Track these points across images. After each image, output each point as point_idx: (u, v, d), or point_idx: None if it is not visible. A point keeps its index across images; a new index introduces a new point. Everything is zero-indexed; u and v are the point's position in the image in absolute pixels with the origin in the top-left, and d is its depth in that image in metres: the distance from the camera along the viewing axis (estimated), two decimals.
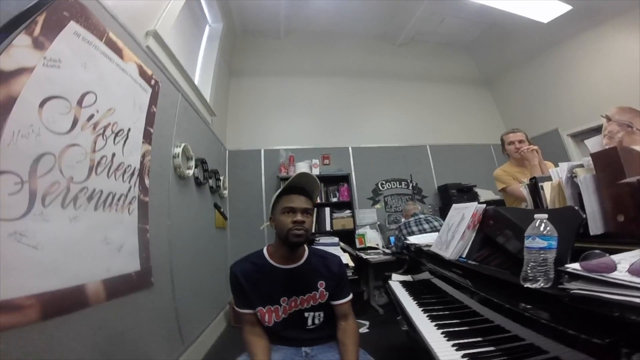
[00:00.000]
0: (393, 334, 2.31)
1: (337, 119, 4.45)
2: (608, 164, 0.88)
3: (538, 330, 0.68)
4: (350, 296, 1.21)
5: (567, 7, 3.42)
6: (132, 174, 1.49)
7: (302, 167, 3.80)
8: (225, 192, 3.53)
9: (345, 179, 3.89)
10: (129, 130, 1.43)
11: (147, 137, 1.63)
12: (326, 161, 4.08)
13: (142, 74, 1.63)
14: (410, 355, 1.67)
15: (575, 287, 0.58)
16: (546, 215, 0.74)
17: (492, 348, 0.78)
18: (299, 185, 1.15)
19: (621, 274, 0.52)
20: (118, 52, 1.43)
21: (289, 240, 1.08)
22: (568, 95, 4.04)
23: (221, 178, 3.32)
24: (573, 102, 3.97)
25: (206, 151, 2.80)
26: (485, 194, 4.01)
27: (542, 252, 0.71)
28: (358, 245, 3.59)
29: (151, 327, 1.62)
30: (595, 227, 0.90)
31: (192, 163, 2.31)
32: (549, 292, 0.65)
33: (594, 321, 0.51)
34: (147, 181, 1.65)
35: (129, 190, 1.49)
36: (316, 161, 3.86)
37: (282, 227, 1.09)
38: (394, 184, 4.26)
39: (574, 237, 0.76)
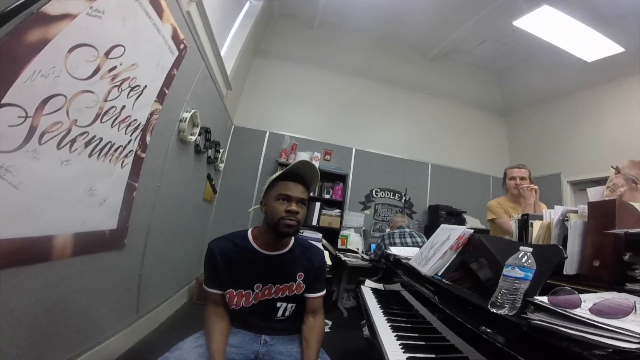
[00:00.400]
0: (352, 339, 2.34)
1: (347, 117, 4.46)
2: (602, 214, 0.90)
3: (491, 355, 0.71)
4: (324, 291, 1.19)
5: (618, 49, 3.29)
6: (136, 128, 1.49)
7: (303, 156, 3.81)
8: (222, 165, 3.52)
9: (342, 178, 3.91)
10: (145, 87, 1.43)
11: (161, 96, 1.63)
12: (327, 157, 4.10)
13: (175, 36, 1.64)
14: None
15: (537, 317, 0.61)
16: (531, 249, 0.76)
17: None
18: (298, 173, 1.10)
19: (582, 312, 0.54)
20: (159, 12, 1.45)
21: (279, 229, 1.03)
22: (580, 141, 4.04)
23: (221, 150, 3.32)
24: (583, 149, 3.97)
25: (213, 121, 2.80)
26: (473, 222, 4.07)
27: (517, 281, 0.73)
28: (340, 246, 3.62)
29: (109, 292, 1.57)
30: (570, 267, 0.94)
31: (197, 130, 2.31)
32: (511, 319, 0.67)
33: (546, 352, 0.53)
34: (148, 138, 1.66)
35: (129, 143, 1.49)
36: (318, 154, 3.87)
37: (274, 214, 1.04)
38: (387, 194, 4.29)
39: (549, 273, 0.79)
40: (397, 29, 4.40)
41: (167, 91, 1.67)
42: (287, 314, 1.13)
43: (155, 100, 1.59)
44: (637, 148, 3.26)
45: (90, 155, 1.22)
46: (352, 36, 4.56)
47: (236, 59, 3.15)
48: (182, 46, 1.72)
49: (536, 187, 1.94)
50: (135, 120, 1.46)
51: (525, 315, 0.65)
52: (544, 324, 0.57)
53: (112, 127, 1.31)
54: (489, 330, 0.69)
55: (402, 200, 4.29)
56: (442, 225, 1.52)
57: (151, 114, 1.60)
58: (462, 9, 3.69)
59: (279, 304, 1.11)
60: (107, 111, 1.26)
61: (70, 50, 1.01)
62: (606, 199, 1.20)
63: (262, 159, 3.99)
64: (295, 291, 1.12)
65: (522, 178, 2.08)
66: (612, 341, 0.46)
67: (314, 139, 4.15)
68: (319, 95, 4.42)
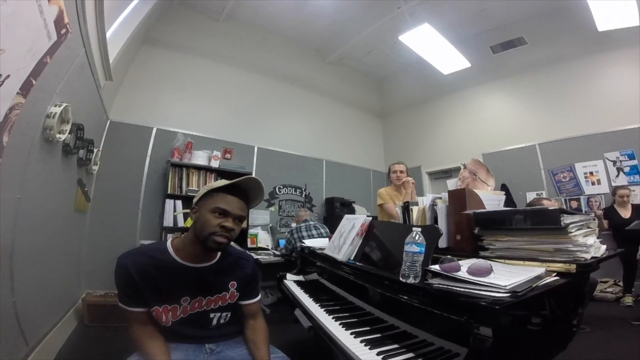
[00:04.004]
0: (285, 332, 2.32)
1: (249, 115, 4.40)
2: (457, 199, 1.26)
3: (406, 317, 0.93)
4: (260, 296, 1.19)
5: (467, 64, 4.31)
6: None
7: (200, 155, 3.56)
8: (96, 167, 2.94)
9: None
10: (8, 77, 1.09)
11: (26, 88, 1.26)
12: (228, 155, 3.95)
13: (58, 21, 1.31)
14: (306, 349, 1.80)
15: (436, 282, 0.85)
16: (420, 229, 0.99)
17: (378, 335, 0.99)
18: (242, 187, 1.05)
19: (463, 273, 0.80)
20: None
21: (207, 244, 0.98)
22: (435, 140, 5.23)
23: (94, 150, 2.77)
24: (436, 146, 5.18)
25: (86, 117, 2.31)
26: (360, 210, 4.71)
27: (415, 255, 0.95)
28: (250, 245, 3.61)
29: None
30: (442, 242, 1.28)
31: (68, 127, 1.87)
32: (420, 285, 0.90)
33: (450, 306, 0.76)
34: (5, 139, 1.27)
35: None
36: (217, 153, 3.68)
37: (206, 226, 0.97)
38: (289, 190, 4.49)
39: (434, 247, 1.07)
40: (304, 32, 4.62)
41: (34, 82, 1.31)
42: (222, 321, 1.09)
43: (17, 93, 1.23)
44: (473, 146, 4.53)
45: None
46: (259, 34, 4.50)
47: (122, 46, 2.67)
48: (63, 31, 1.37)
49: (412, 180, 2.46)
50: None
51: (427, 282, 0.89)
52: (442, 286, 0.81)
53: None
54: (405, 297, 0.91)
55: (303, 195, 4.58)
56: (346, 216, 1.74)
57: (11, 109, 1.23)
58: (361, 19, 4.21)
59: (212, 315, 1.07)
60: None
61: None
62: (458, 187, 1.66)
63: (148, 158, 3.51)
64: (229, 300, 1.09)
65: (401, 172, 2.59)
66: (489, 293, 0.71)
67: (212, 136, 3.92)
68: (218, 91, 4.19)
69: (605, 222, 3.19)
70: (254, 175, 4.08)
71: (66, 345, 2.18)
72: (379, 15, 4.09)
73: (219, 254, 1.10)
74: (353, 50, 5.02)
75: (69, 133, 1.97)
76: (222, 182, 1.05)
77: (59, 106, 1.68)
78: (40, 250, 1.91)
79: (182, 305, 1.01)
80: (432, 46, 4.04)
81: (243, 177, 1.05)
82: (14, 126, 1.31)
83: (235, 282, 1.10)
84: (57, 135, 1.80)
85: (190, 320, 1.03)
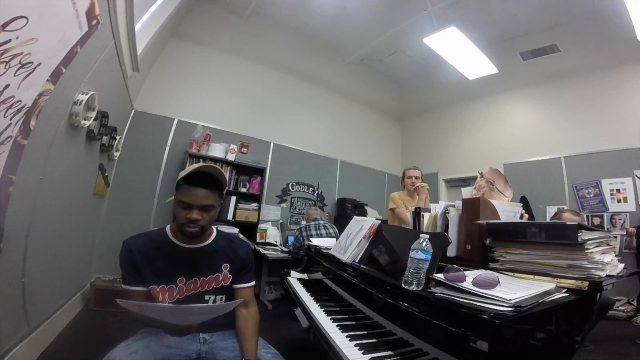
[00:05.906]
0: (282, 329, 2.39)
1: (267, 111, 4.44)
2: (471, 208, 1.22)
3: (405, 324, 0.91)
4: (253, 282, 1.22)
5: (494, 70, 4.18)
6: (19, 110, 1.19)
7: (217, 148, 3.63)
8: (117, 154, 3.05)
9: (260, 172, 3.90)
10: (39, 64, 1.15)
11: (55, 76, 1.32)
12: (244, 149, 4.00)
13: (90, 12, 1.36)
14: (302, 348, 1.81)
15: (438, 291, 0.83)
16: (428, 235, 0.97)
17: (374, 340, 0.98)
18: (205, 172, 1.06)
19: (467, 284, 0.78)
20: None
21: (183, 232, 1.06)
22: (453, 147, 5.09)
23: (117, 137, 2.87)
24: (455, 153, 5.04)
25: (112, 105, 2.40)
26: (372, 213, 4.67)
27: (420, 262, 0.93)
28: (258, 239, 3.64)
29: None
30: (451, 250, 1.25)
31: (93, 114, 1.96)
32: (421, 293, 0.88)
33: (450, 316, 0.74)
34: (32, 122, 1.34)
35: (7, 127, 1.18)
36: (234, 147, 3.74)
37: (177, 218, 1.06)
38: (302, 188, 4.50)
39: (441, 255, 1.05)
40: (327, 30, 4.56)
41: (64, 70, 1.37)
42: None
43: (47, 80, 1.29)
44: (494, 155, 4.37)
45: None
46: (282, 31, 4.51)
47: (150, 39, 2.76)
48: (94, 22, 1.43)
49: (427, 185, 2.41)
50: (19, 101, 1.16)
51: (430, 290, 0.87)
52: (444, 295, 0.79)
53: None
54: (406, 304, 0.89)
55: (315, 194, 4.58)
56: (355, 217, 1.72)
57: (40, 95, 1.29)
58: (386, 20, 4.12)
59: (207, 297, 1.11)
60: None
61: None
62: (473, 196, 1.60)
63: (167, 148, 3.61)
64: (222, 282, 1.13)
65: (416, 177, 2.54)
66: (492, 306, 0.68)
67: (230, 130, 3.99)
68: (239, 86, 4.25)
69: (634, 240, 3.03)
70: (268, 170, 4.12)
71: (67, 328, 2.18)
72: (404, 16, 4.00)
73: (213, 235, 1.17)
74: (375, 51, 4.92)
75: (94, 120, 2.06)
76: (190, 169, 1.06)
77: (86, 94, 1.75)
78: (56, 233, 1.96)
79: (178, 286, 1.07)
80: (458, 50, 3.92)
81: (200, 165, 1.07)
82: (42, 111, 1.37)
83: (228, 264, 1.15)
84: (82, 122, 1.88)
85: (186, 302, 1.04)
